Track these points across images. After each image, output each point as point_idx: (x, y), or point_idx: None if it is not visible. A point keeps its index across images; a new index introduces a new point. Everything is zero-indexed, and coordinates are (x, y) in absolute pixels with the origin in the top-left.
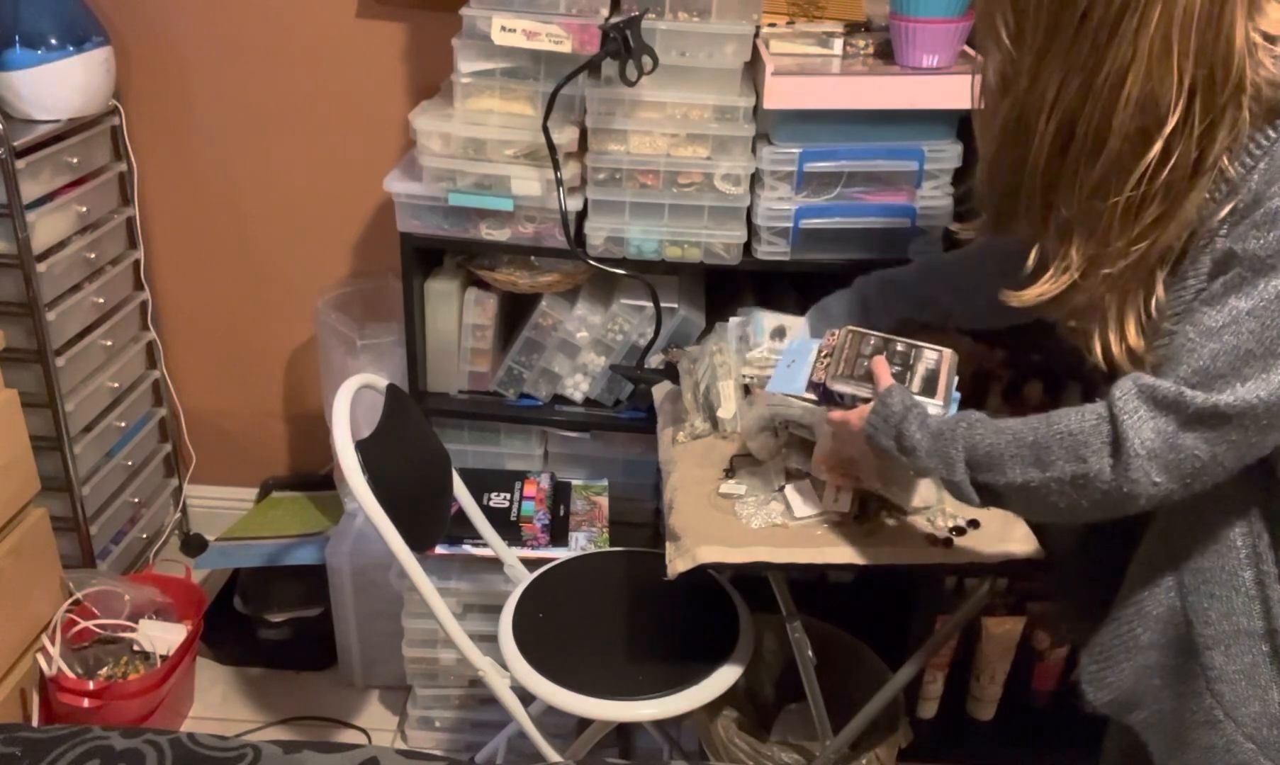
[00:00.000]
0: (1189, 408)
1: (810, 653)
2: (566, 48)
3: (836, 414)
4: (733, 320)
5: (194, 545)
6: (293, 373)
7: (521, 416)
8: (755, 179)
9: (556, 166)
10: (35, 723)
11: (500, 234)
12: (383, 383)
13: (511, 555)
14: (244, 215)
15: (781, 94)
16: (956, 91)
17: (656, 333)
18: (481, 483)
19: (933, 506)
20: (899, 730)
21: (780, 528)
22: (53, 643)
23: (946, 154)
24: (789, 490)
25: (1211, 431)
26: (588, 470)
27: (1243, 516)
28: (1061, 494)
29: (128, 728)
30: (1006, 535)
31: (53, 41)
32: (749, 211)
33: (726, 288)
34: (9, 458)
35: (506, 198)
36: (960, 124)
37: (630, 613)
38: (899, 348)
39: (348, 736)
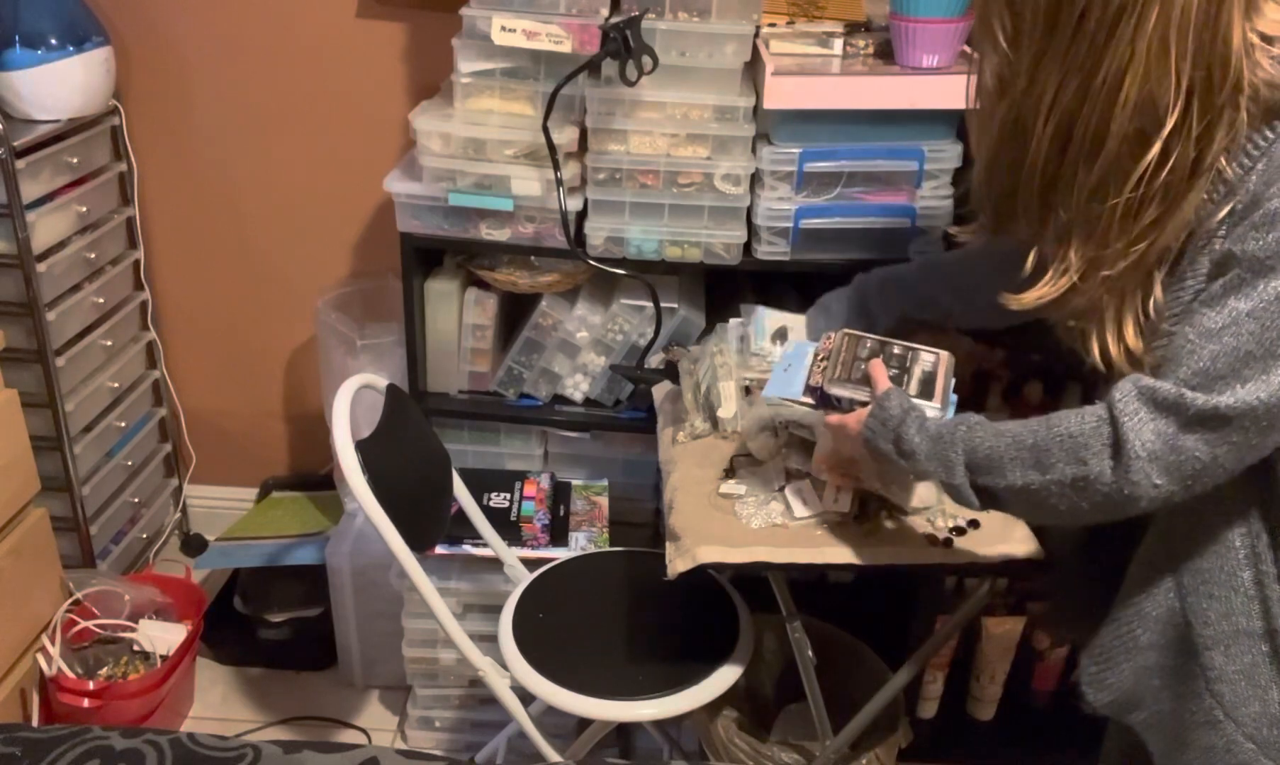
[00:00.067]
0: (1189, 409)
1: (810, 653)
2: (566, 48)
3: (834, 418)
4: (733, 321)
5: (194, 545)
6: (293, 373)
7: (521, 416)
8: (755, 179)
9: (556, 166)
10: (35, 723)
11: (500, 234)
12: (383, 383)
13: (511, 555)
14: (244, 215)
15: (781, 94)
16: (956, 91)
17: (656, 333)
18: (481, 483)
19: (932, 507)
20: (899, 730)
21: (780, 528)
22: (53, 643)
23: (946, 154)
24: (789, 490)
25: (1212, 433)
26: (588, 470)
27: (1242, 517)
28: (1062, 496)
29: (128, 728)
30: (1006, 535)
31: (53, 41)
32: (749, 211)
33: (726, 288)
34: (9, 458)
35: (506, 198)
36: (960, 124)
37: (630, 613)
38: (895, 350)
39: (348, 736)
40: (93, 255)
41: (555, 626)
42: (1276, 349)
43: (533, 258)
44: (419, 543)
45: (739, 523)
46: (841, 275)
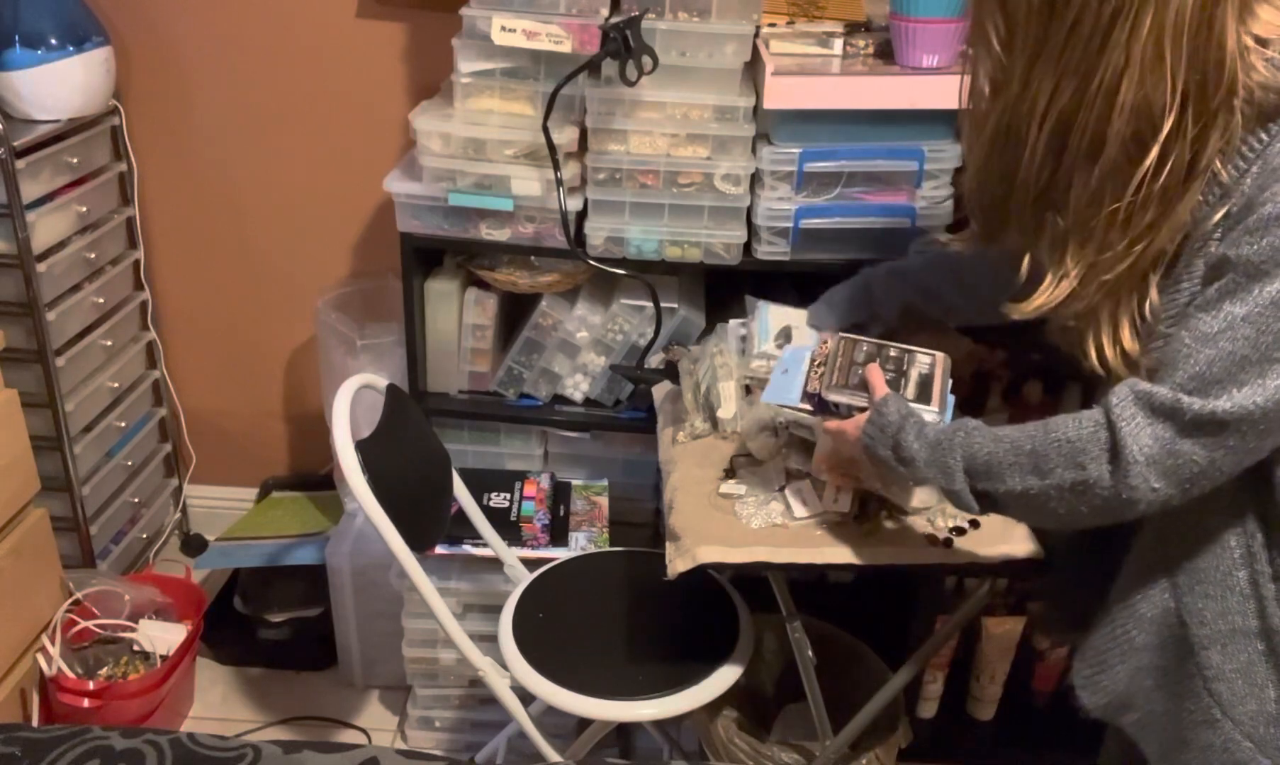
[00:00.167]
0: (1186, 414)
1: (810, 653)
2: (566, 48)
3: (833, 424)
4: (733, 322)
5: (194, 545)
6: (293, 373)
7: (521, 416)
8: (755, 179)
9: (556, 166)
10: (35, 723)
11: (500, 234)
12: (383, 383)
13: (511, 555)
14: (244, 215)
15: (781, 94)
16: (956, 91)
17: (656, 333)
18: (481, 483)
19: (932, 507)
20: (899, 730)
21: (780, 528)
22: (53, 643)
23: (946, 154)
24: (789, 490)
25: (1209, 437)
26: (588, 470)
27: (1238, 518)
28: (1061, 500)
29: (128, 728)
30: (1006, 536)
31: (53, 41)
32: (749, 211)
33: (726, 288)
34: (9, 458)
35: (506, 198)
36: None
37: (630, 613)
38: (892, 353)
39: (348, 736)
40: (93, 255)
41: (555, 626)
42: (1272, 353)
43: (533, 258)
44: (419, 543)
45: (739, 523)
46: (841, 275)
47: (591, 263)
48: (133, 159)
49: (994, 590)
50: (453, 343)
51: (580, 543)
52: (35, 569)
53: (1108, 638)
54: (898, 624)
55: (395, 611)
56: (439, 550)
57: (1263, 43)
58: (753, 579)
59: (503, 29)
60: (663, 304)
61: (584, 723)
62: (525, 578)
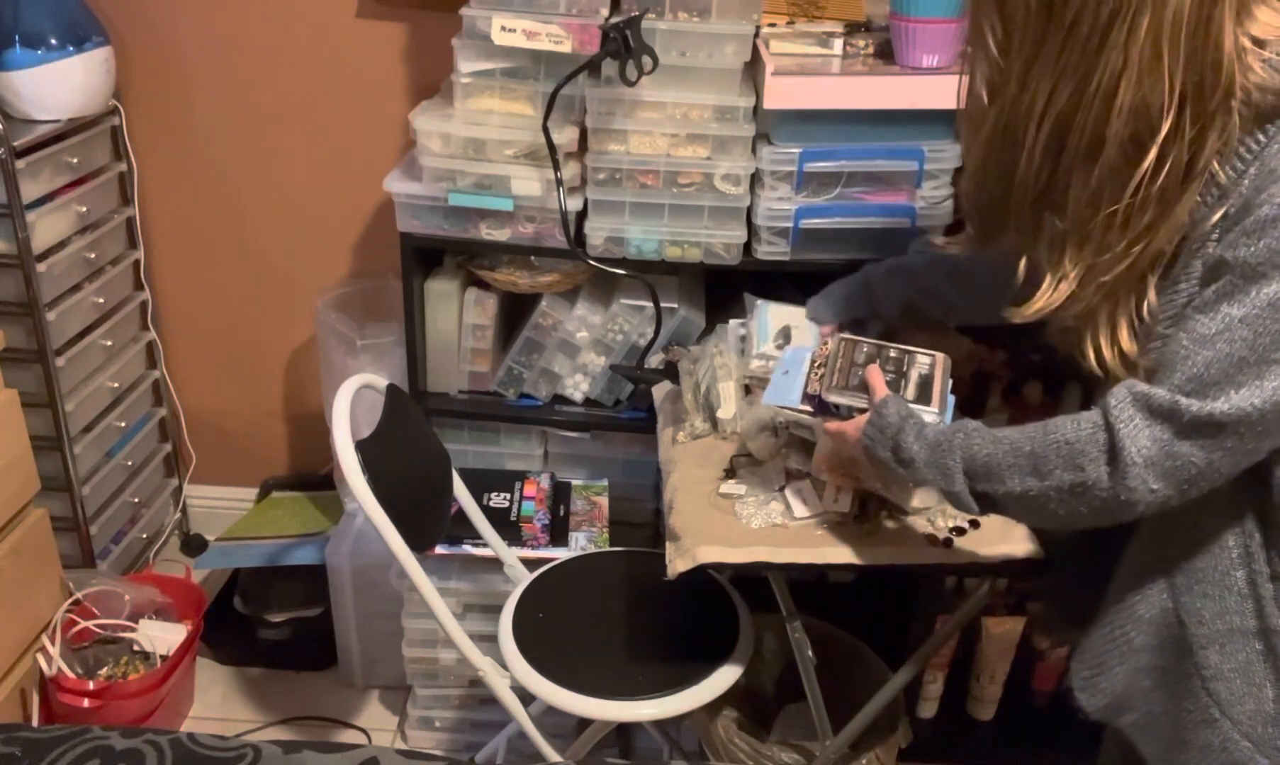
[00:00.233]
0: (1184, 416)
1: (810, 653)
2: (566, 48)
3: (833, 425)
4: (733, 322)
5: (194, 545)
6: (293, 373)
7: (521, 416)
8: (755, 179)
9: (556, 166)
10: (35, 723)
11: (500, 234)
12: (383, 383)
13: (511, 555)
14: (244, 215)
15: (781, 94)
16: (956, 92)
17: (656, 333)
18: (481, 483)
19: (932, 507)
20: (899, 730)
21: (780, 528)
22: (53, 643)
23: (946, 154)
24: (789, 490)
25: (1207, 439)
26: (588, 470)
27: (1236, 518)
28: (1060, 502)
29: (128, 728)
30: (1006, 536)
31: (53, 41)
32: (749, 211)
33: (726, 288)
34: (9, 458)
35: (506, 198)
36: None
37: (630, 613)
38: (892, 354)
39: (348, 736)
40: (93, 255)
41: (555, 626)
42: (1269, 355)
43: (533, 258)
44: (419, 543)
45: (739, 523)
46: (842, 275)
47: (591, 263)
48: (133, 159)
49: (994, 590)
50: (453, 343)
51: (580, 543)
52: (35, 569)
53: (1106, 639)
54: (898, 624)
55: (395, 611)
56: (439, 550)
57: (1260, 44)
58: (753, 579)
59: (503, 29)
60: (663, 304)
61: (584, 723)
62: (525, 578)
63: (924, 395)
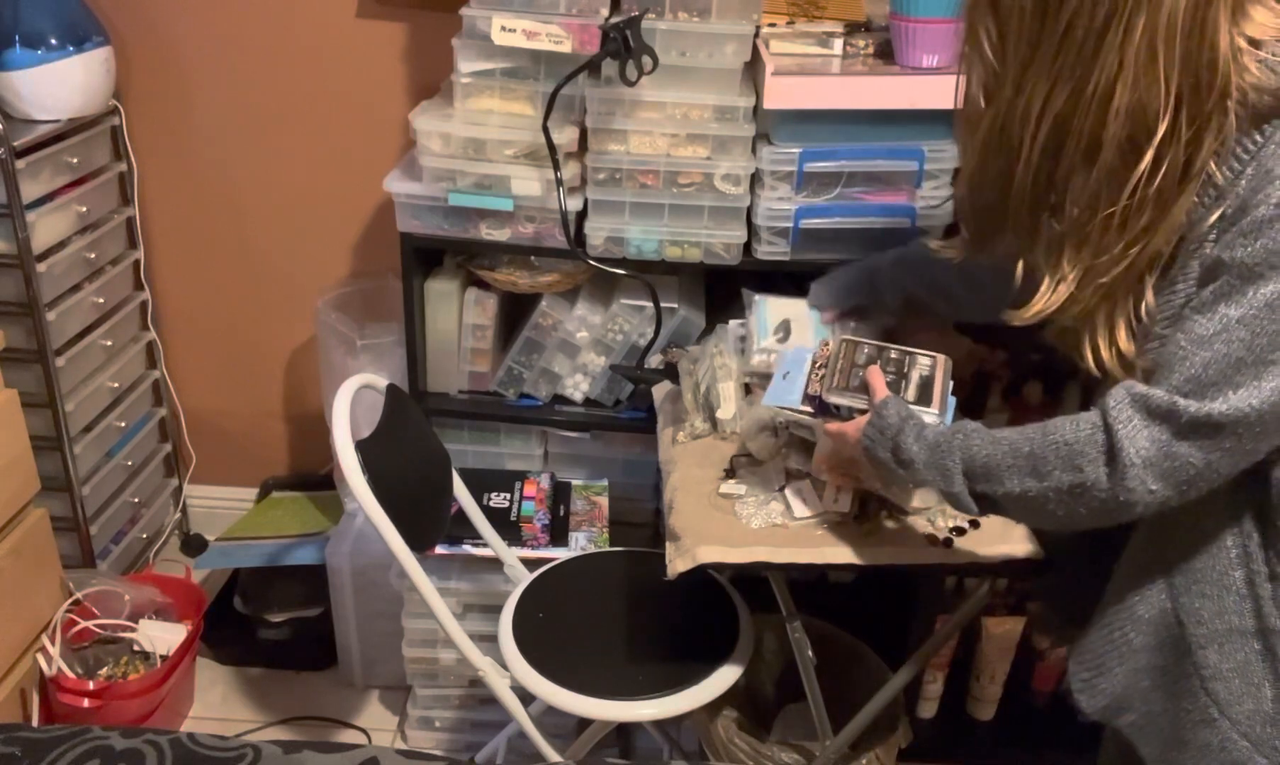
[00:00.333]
0: (1182, 417)
1: (810, 653)
2: (566, 48)
3: (833, 426)
4: (733, 323)
5: (194, 545)
6: (293, 373)
7: (521, 416)
8: (755, 179)
9: (556, 166)
10: (35, 723)
11: (500, 234)
12: (383, 383)
13: (511, 555)
14: (244, 215)
15: (781, 94)
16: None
17: (656, 333)
18: (481, 483)
19: (932, 507)
20: (899, 730)
21: (780, 528)
22: (53, 643)
23: (946, 154)
24: (789, 490)
25: (1206, 440)
26: (588, 470)
27: (1234, 518)
28: (1059, 503)
29: (128, 728)
30: (1006, 536)
31: (53, 41)
32: (749, 211)
33: (726, 288)
34: (9, 458)
35: (506, 198)
36: None
37: (630, 613)
38: (893, 355)
39: (348, 736)
40: (93, 255)
41: (555, 626)
42: (1267, 355)
43: (533, 258)
44: (419, 543)
45: (739, 523)
46: None
47: (591, 263)
48: (133, 159)
49: (994, 590)
50: (453, 343)
51: (580, 543)
52: (35, 569)
53: (1104, 640)
54: (898, 624)
55: (395, 611)
56: (439, 550)
57: (1256, 44)
58: (753, 579)
59: (503, 29)
60: (663, 304)
61: (584, 723)
62: (525, 578)
63: (924, 396)
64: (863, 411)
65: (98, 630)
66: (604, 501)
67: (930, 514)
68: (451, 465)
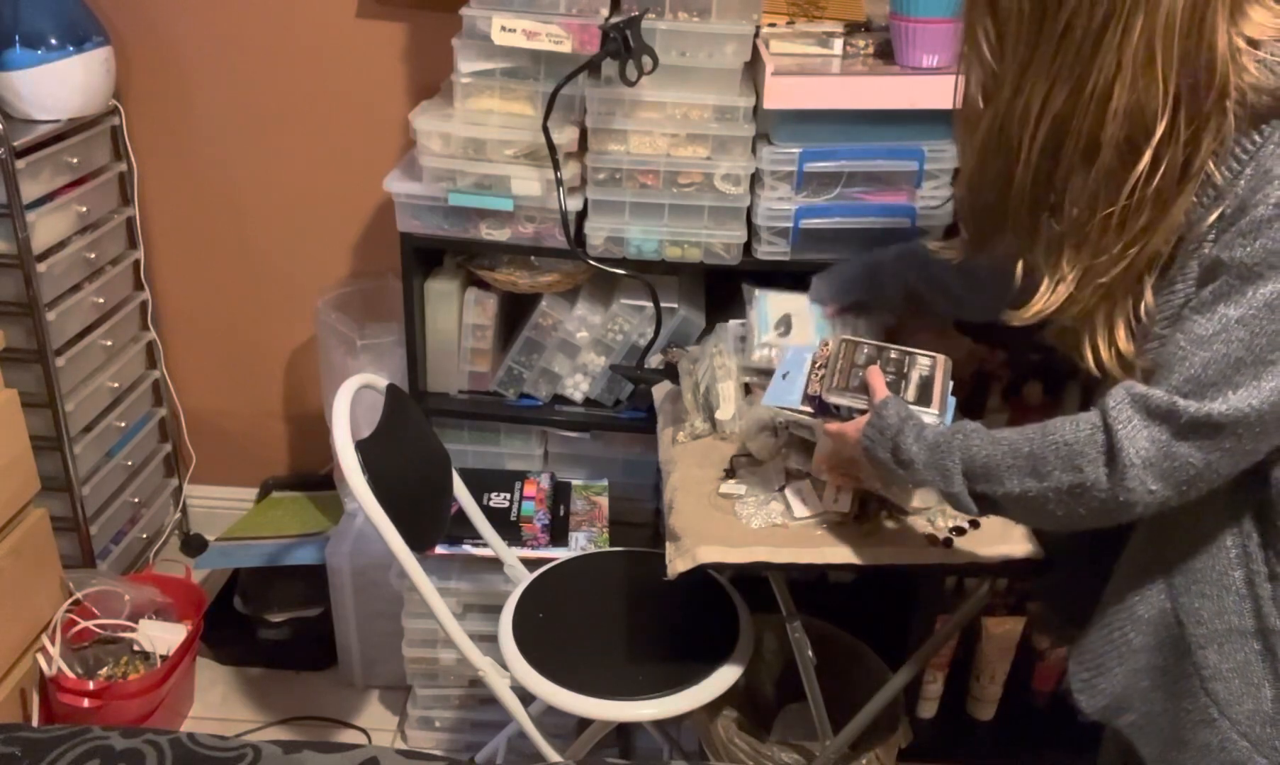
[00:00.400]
0: (1182, 417)
1: (810, 653)
2: (566, 48)
3: (833, 426)
4: (733, 322)
5: (194, 545)
6: (293, 373)
7: (521, 416)
8: (755, 179)
9: (556, 166)
10: (35, 723)
11: (500, 234)
12: (383, 383)
13: (511, 555)
14: (244, 215)
15: (781, 94)
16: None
17: (656, 333)
18: (481, 483)
19: (932, 507)
20: (899, 730)
21: (780, 528)
22: (53, 643)
23: (946, 154)
24: (789, 490)
25: (1205, 440)
26: (588, 470)
27: (1234, 518)
28: (1059, 503)
29: (128, 728)
30: (1006, 536)
31: (53, 41)
32: (749, 211)
33: (726, 288)
34: (9, 458)
35: (506, 198)
36: None
37: (630, 613)
38: (892, 355)
39: (348, 736)
40: (93, 255)
41: (555, 626)
42: (1267, 355)
43: (533, 258)
44: (419, 543)
45: (739, 523)
46: None
47: (591, 263)
48: (133, 159)
49: (994, 590)
50: (453, 343)
51: (580, 543)
52: (35, 569)
53: (1104, 641)
54: (898, 624)
55: (395, 611)
56: (439, 550)
57: (1254, 44)
58: (753, 579)
59: (503, 29)
60: (663, 304)
61: (584, 723)
62: (525, 578)
63: (924, 396)
64: (862, 411)
65: (98, 630)
66: (604, 501)
67: (930, 514)
68: (451, 465)
